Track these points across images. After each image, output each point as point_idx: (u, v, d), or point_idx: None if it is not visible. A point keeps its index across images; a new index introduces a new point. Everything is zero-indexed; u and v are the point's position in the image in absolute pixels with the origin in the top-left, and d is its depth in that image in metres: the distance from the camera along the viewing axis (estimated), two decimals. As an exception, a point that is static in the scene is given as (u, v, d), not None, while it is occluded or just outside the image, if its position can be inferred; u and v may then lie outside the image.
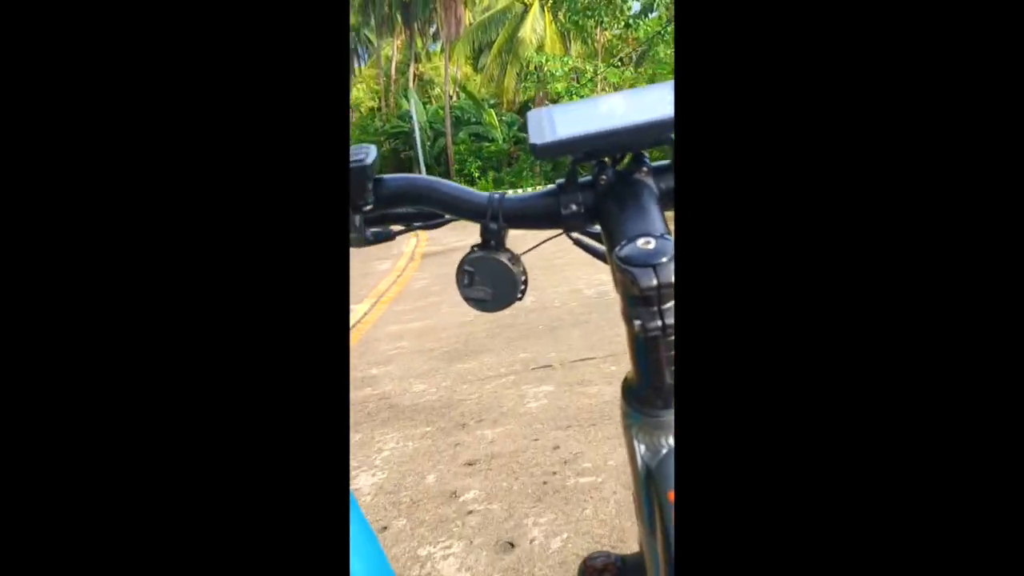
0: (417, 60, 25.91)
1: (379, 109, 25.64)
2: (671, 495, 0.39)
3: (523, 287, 0.48)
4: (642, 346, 0.40)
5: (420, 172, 18.77)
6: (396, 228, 0.53)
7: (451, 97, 20.82)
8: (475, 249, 0.47)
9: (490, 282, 0.47)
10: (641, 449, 0.42)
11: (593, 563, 0.53)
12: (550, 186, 0.48)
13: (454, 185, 0.50)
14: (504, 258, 0.47)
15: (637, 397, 0.43)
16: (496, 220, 0.46)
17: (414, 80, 23.24)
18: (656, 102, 0.44)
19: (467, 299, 0.47)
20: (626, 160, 0.46)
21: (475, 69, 23.38)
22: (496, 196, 0.47)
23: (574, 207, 0.46)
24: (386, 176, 0.50)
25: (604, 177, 0.46)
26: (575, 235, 0.50)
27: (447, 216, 0.51)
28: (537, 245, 0.56)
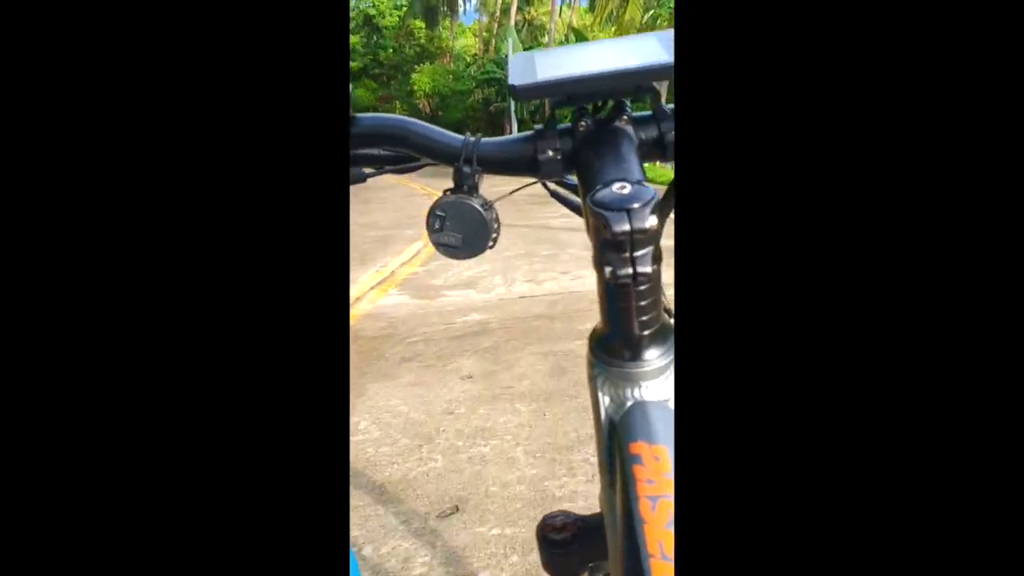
0: (527, 2, 22.53)
1: (479, 56, 22.60)
2: (632, 447, 0.38)
3: (495, 235, 0.46)
4: (612, 293, 0.39)
5: (511, 128, 15.82)
6: (368, 170, 0.52)
7: (561, 40, 17.41)
8: (447, 193, 0.45)
9: (461, 228, 0.45)
10: (605, 401, 0.41)
11: (552, 521, 0.52)
12: (527, 132, 0.46)
13: (429, 126, 0.48)
14: (477, 203, 0.45)
15: (604, 347, 0.41)
16: (470, 163, 0.45)
17: (516, 15, 19.89)
18: (640, 50, 0.43)
19: (436, 244, 0.46)
20: (607, 108, 0.45)
21: (590, 7, 19.84)
22: (471, 139, 0.46)
23: (551, 152, 0.45)
24: (360, 115, 0.47)
25: (584, 123, 0.44)
26: (551, 186, 0.51)
27: (421, 159, 0.49)
28: (512, 192, 0.54)
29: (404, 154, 0.50)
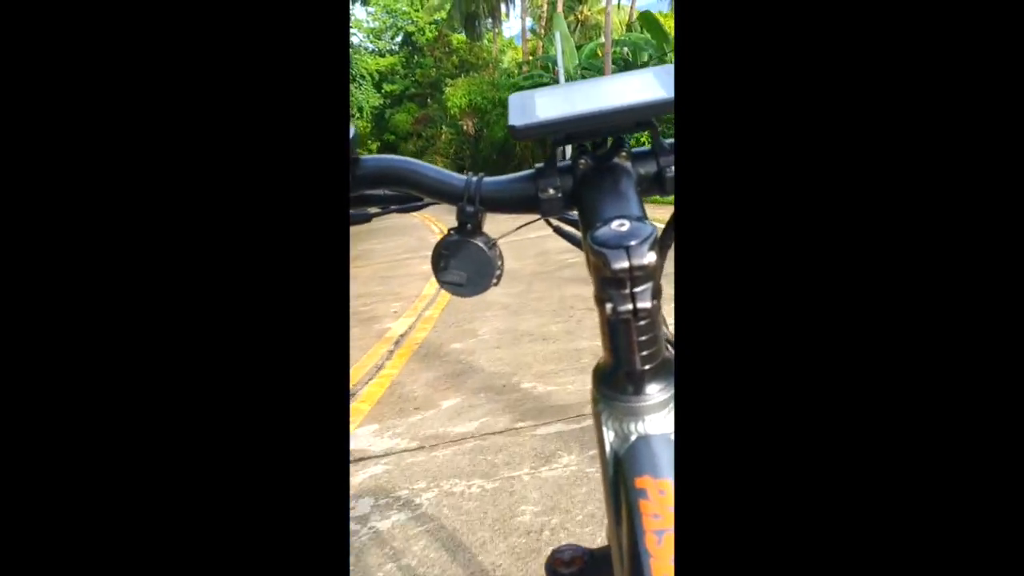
0: (580, 1, 19.31)
1: (527, 61, 19.49)
2: (638, 481, 0.38)
3: (499, 272, 0.48)
4: (613, 328, 0.40)
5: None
6: (372, 210, 0.53)
7: (622, 36, 14.12)
8: (451, 232, 0.46)
9: (465, 266, 0.46)
10: (610, 436, 0.41)
11: (561, 555, 0.53)
12: (528, 170, 0.47)
13: (433, 167, 0.49)
14: (480, 242, 0.46)
15: (607, 382, 0.42)
16: (473, 203, 0.46)
17: (562, 6, 16.72)
18: (638, 87, 0.44)
19: (442, 283, 0.47)
20: (606, 144, 0.46)
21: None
22: (473, 179, 0.47)
23: (551, 191, 0.45)
24: (364, 157, 0.49)
25: (583, 161, 0.45)
26: (553, 221, 0.52)
27: (425, 199, 0.50)
28: (515, 229, 0.55)
29: (407, 194, 0.50)
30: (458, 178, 0.47)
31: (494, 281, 0.47)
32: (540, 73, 16.32)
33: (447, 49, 24.53)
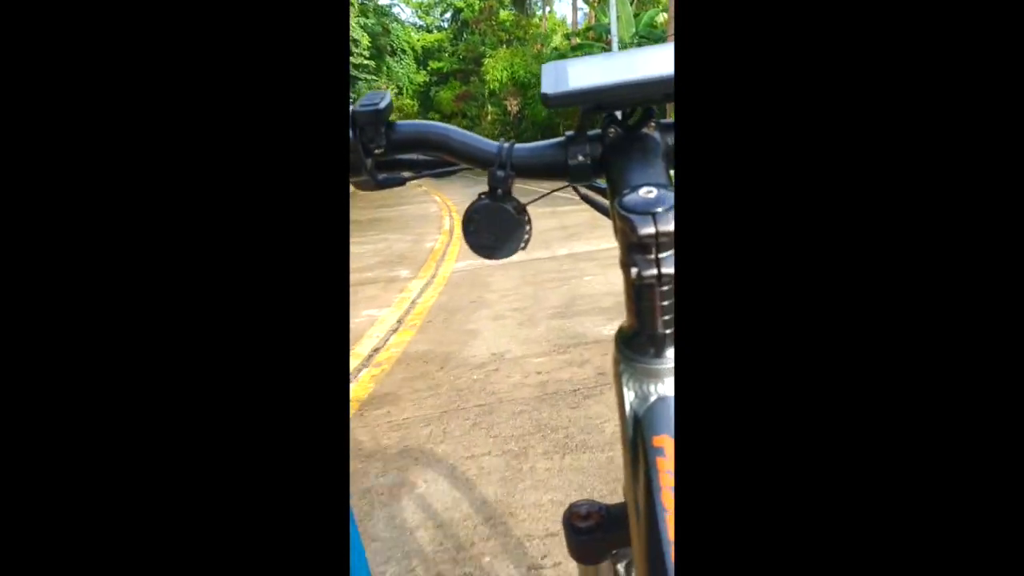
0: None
1: (575, 32, 17.58)
2: (656, 440, 0.40)
3: (527, 236, 0.49)
4: (638, 293, 0.41)
5: None
6: (406, 174, 0.54)
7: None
8: (482, 197, 0.48)
9: (495, 229, 0.48)
10: (631, 396, 0.43)
11: (578, 510, 0.54)
12: (559, 138, 0.48)
13: (465, 132, 0.50)
14: (510, 206, 0.47)
15: (630, 345, 0.43)
16: (504, 168, 0.47)
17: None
18: (669, 59, 0.44)
19: (472, 246, 0.49)
20: (636, 114, 0.47)
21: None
22: (505, 145, 0.48)
23: (581, 158, 0.47)
24: (399, 122, 0.50)
25: (612, 130, 0.46)
26: (581, 189, 0.52)
27: (458, 164, 0.52)
28: (544, 195, 0.55)
29: (440, 159, 0.52)
30: (490, 143, 0.48)
31: (522, 245, 0.49)
32: (591, 43, 14.43)
33: (492, 22, 22.65)
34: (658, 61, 0.44)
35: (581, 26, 19.05)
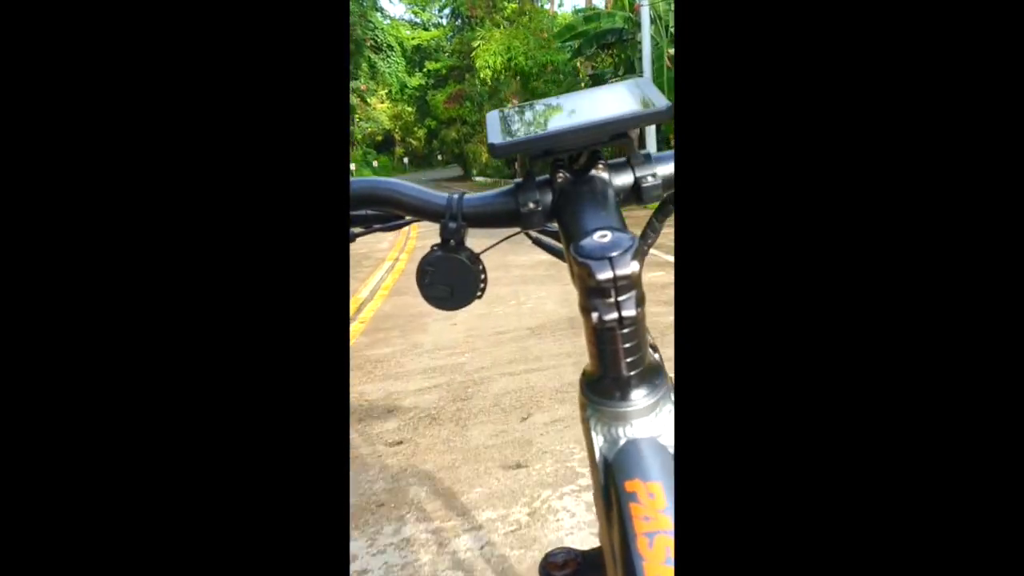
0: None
1: (588, 8, 14.13)
2: (628, 485, 0.40)
3: (482, 285, 0.49)
4: (600, 337, 0.41)
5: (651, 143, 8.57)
6: (357, 230, 0.55)
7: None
8: (435, 249, 0.48)
9: (449, 280, 0.48)
10: (599, 441, 0.43)
11: (554, 559, 0.54)
12: (508, 186, 0.48)
13: (415, 187, 0.51)
14: (463, 257, 0.48)
15: (595, 389, 0.43)
16: (456, 219, 0.48)
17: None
18: (612, 101, 0.46)
19: (427, 298, 0.49)
20: (583, 157, 0.47)
21: None
22: (455, 196, 0.48)
23: (532, 205, 0.47)
24: (351, 180, 0.50)
25: (561, 175, 0.47)
26: (534, 234, 0.54)
27: (408, 217, 0.52)
28: (495, 244, 0.58)
29: (390, 213, 0.52)
30: (440, 196, 0.48)
31: (478, 294, 0.48)
32: (614, 12, 11.02)
33: (492, 9, 19.29)
34: (603, 104, 0.45)
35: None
